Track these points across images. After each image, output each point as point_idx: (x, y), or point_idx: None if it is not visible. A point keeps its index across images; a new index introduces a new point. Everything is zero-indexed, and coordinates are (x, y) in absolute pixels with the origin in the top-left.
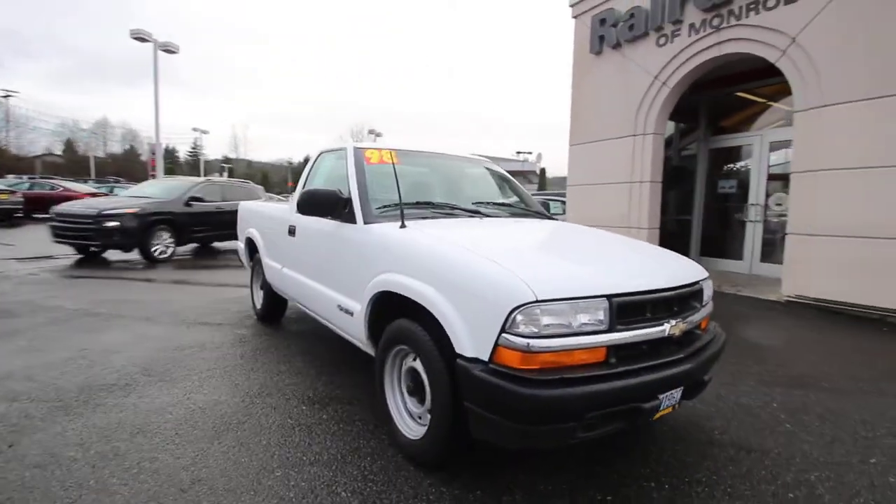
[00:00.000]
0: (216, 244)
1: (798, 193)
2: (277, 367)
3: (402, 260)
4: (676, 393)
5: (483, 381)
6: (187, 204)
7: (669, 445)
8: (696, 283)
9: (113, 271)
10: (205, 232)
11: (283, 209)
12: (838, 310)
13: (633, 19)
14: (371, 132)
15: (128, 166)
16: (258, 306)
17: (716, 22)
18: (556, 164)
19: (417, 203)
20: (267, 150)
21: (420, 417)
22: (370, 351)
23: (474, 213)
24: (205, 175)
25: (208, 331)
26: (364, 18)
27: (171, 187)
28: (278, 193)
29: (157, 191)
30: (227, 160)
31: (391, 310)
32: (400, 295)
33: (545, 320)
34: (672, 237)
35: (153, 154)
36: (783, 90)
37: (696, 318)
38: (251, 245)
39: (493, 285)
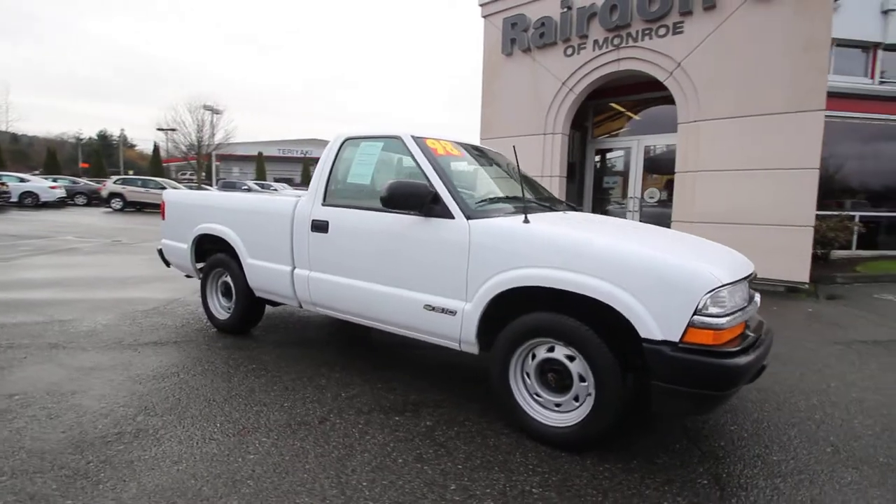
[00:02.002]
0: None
1: (681, 189)
2: (318, 381)
3: (552, 255)
4: None
5: (682, 359)
6: None
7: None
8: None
9: None
10: None
11: (284, 202)
12: None
13: (543, 28)
14: (208, 108)
15: None
16: (223, 316)
17: (616, 41)
18: None
19: (506, 198)
20: (40, 123)
21: (559, 406)
22: (471, 350)
23: (546, 206)
24: None
25: (172, 352)
26: None
27: None
28: (74, 175)
29: None
30: None
31: (510, 306)
32: (536, 289)
33: (726, 301)
34: None
35: None
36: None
37: (758, 300)
38: (208, 245)
39: (683, 275)
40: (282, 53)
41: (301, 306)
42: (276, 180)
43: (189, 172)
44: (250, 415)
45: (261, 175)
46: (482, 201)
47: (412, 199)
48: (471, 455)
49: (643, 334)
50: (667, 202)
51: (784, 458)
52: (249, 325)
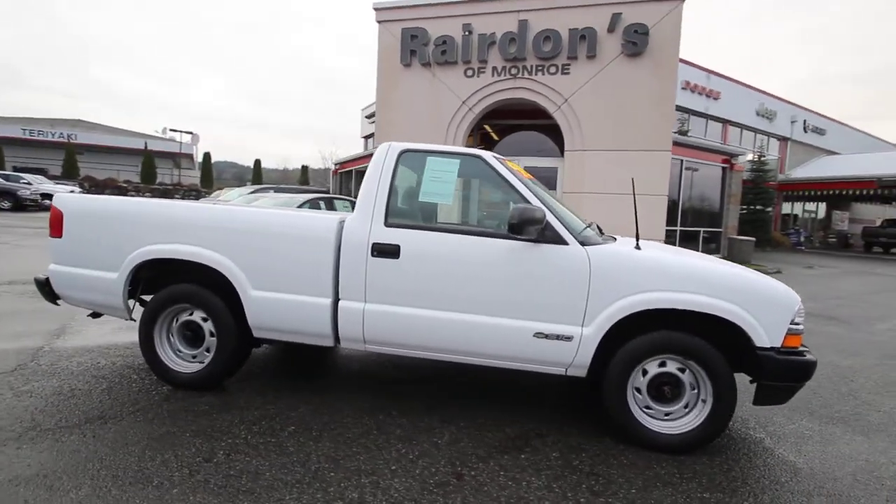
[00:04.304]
0: None
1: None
2: (393, 431)
3: (673, 280)
4: None
5: (784, 360)
6: None
7: None
8: None
9: None
10: None
11: (316, 220)
12: None
13: (445, 46)
14: None
15: None
16: (188, 368)
17: (514, 71)
18: (232, 150)
19: (589, 223)
20: None
21: (668, 415)
22: (579, 373)
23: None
24: None
25: (138, 431)
26: None
27: None
28: None
29: None
30: None
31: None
32: (660, 310)
33: (802, 313)
34: None
35: None
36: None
37: None
38: (146, 274)
39: (781, 292)
40: None
41: (338, 345)
42: (19, 169)
43: None
44: (354, 493)
45: None
46: (584, 227)
47: (531, 224)
48: (628, 479)
49: (758, 343)
50: None
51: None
52: (230, 376)
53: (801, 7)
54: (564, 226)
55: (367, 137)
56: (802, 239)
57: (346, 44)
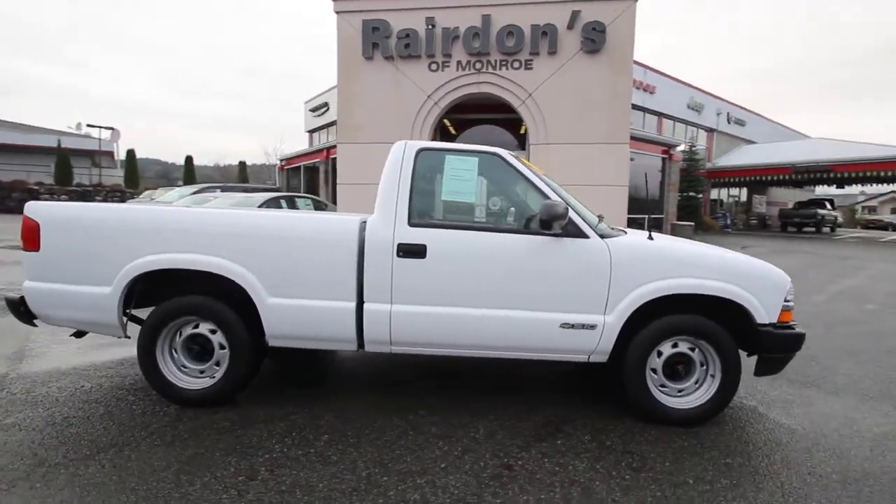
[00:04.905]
0: None
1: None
2: (427, 429)
3: (685, 267)
4: None
5: (780, 334)
6: None
7: None
8: None
9: None
10: None
11: (335, 221)
12: None
13: (408, 39)
14: None
15: None
16: (197, 385)
17: (478, 66)
18: (163, 147)
19: (599, 216)
20: None
21: (681, 391)
22: (600, 359)
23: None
24: None
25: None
26: None
27: None
28: None
29: None
30: None
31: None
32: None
33: (792, 291)
34: None
35: None
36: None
37: None
38: (141, 287)
39: (775, 274)
40: None
41: (361, 349)
42: None
43: None
44: (415, 494)
45: None
46: (598, 219)
47: (557, 219)
48: (659, 453)
49: (759, 320)
50: None
51: None
52: (242, 389)
53: (723, 5)
54: (584, 220)
55: (312, 132)
56: (729, 222)
57: (291, 35)
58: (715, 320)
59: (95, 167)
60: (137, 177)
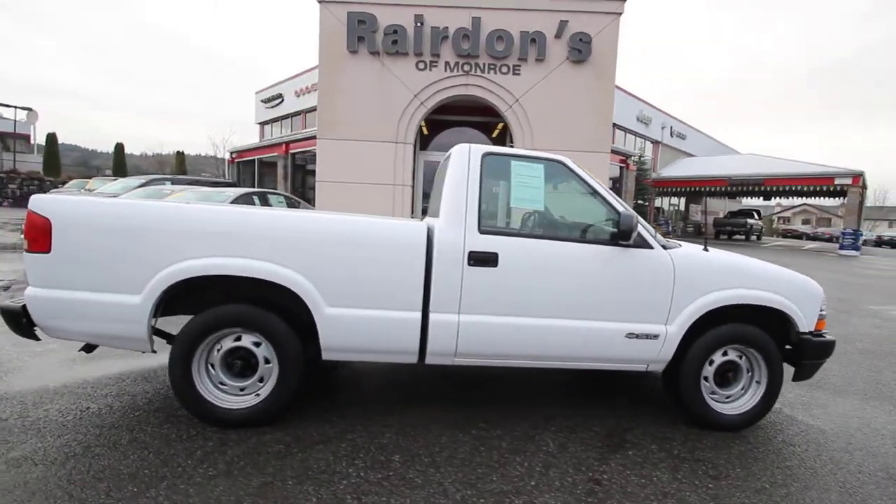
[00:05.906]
0: None
1: None
2: (493, 443)
3: (738, 278)
4: None
5: (817, 342)
6: None
7: None
8: None
9: None
10: None
11: (402, 227)
12: None
13: (396, 35)
14: None
15: None
16: (239, 404)
17: (466, 67)
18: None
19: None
20: None
21: (729, 397)
22: (658, 368)
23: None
24: None
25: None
26: None
27: None
28: None
29: None
30: None
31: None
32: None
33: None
34: None
35: None
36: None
37: None
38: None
39: (812, 285)
40: None
41: (422, 361)
42: None
43: None
44: None
45: None
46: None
47: (633, 230)
48: (727, 460)
49: (801, 328)
50: None
51: None
52: (287, 408)
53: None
54: (648, 231)
55: (263, 123)
56: (670, 229)
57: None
58: (762, 329)
59: (8, 151)
60: (59, 164)
